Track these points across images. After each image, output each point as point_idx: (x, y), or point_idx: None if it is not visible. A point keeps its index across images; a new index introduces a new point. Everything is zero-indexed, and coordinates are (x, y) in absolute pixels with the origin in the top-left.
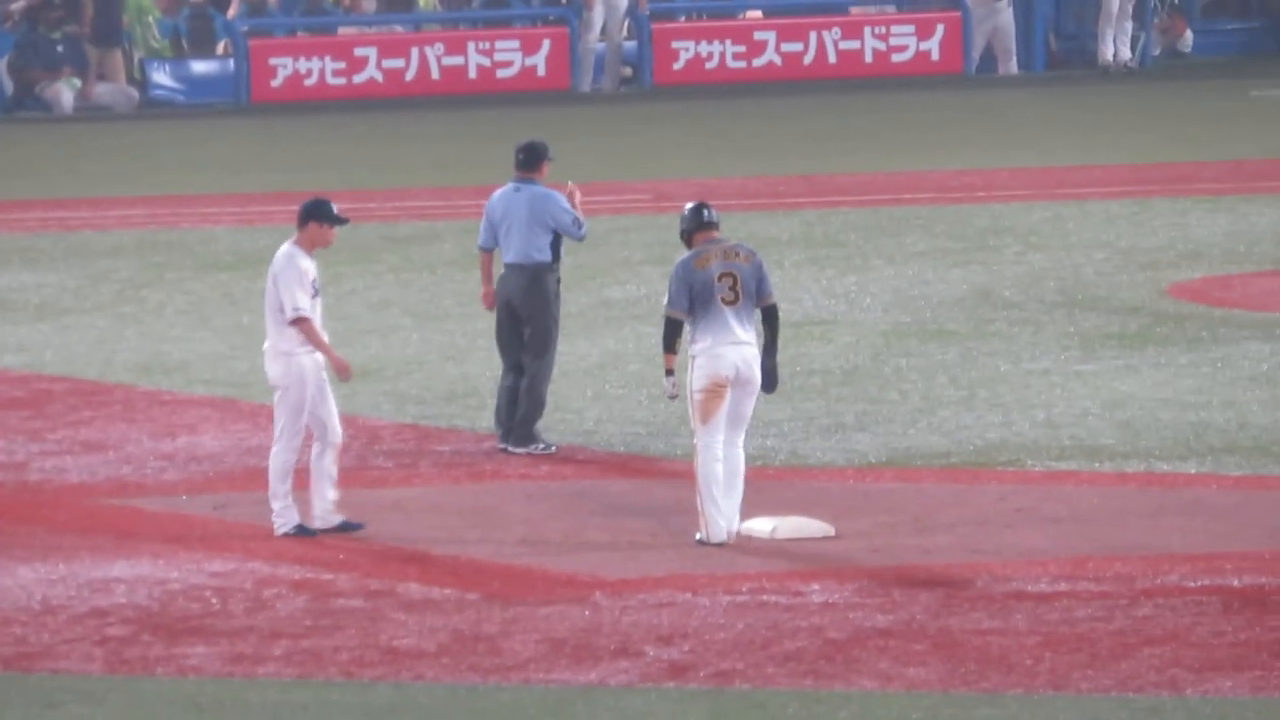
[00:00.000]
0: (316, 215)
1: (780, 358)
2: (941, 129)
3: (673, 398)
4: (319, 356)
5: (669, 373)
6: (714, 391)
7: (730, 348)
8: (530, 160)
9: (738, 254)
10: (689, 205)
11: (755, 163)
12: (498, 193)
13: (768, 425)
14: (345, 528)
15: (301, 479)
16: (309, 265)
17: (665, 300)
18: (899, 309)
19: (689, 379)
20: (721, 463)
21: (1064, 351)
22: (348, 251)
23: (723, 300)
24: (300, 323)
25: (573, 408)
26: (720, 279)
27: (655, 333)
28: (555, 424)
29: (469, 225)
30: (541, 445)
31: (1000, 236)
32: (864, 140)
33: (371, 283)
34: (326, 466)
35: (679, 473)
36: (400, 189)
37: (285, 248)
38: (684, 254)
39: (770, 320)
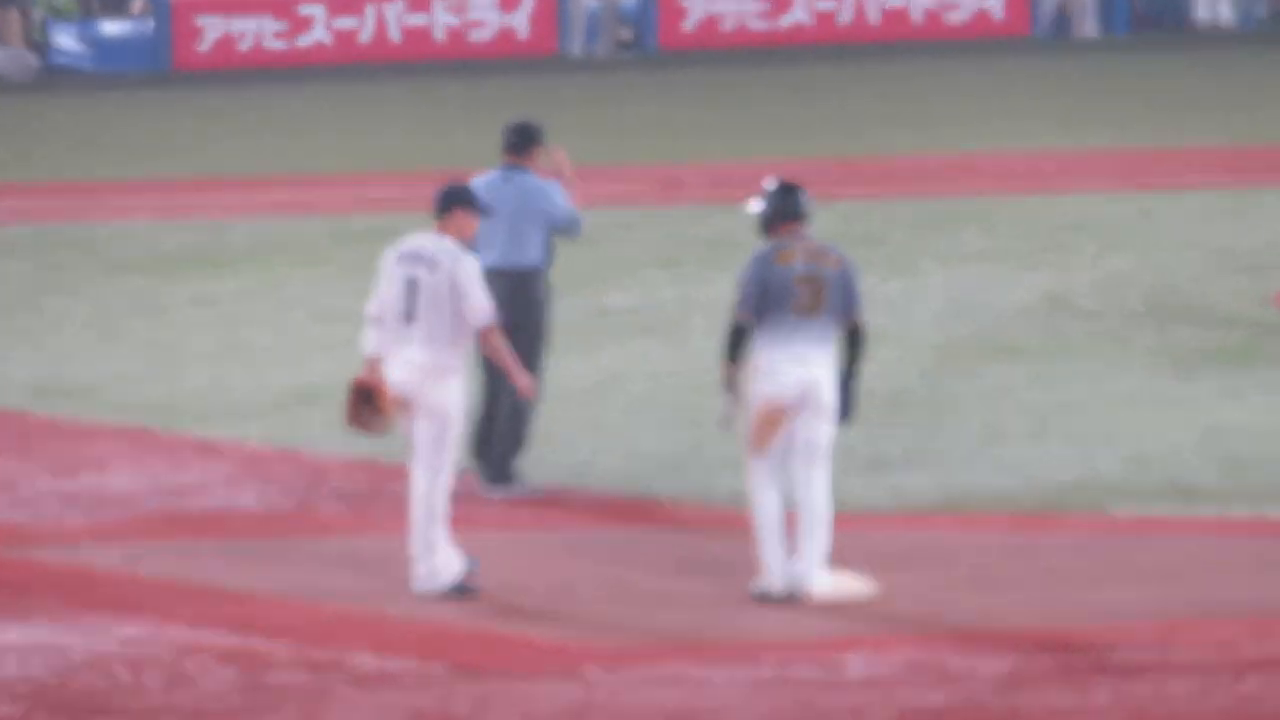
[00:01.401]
0: (464, 201)
1: None
2: (1005, 104)
3: (725, 425)
4: None
5: (728, 386)
6: (770, 417)
7: (795, 366)
8: (522, 143)
9: (826, 256)
10: (773, 184)
11: (781, 143)
12: (480, 181)
13: None
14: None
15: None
16: None
17: (735, 299)
18: (954, 320)
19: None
20: (778, 494)
21: (1154, 373)
22: (290, 251)
23: (796, 308)
24: (495, 332)
25: (562, 439)
26: (800, 283)
27: (661, 348)
28: (541, 460)
29: None
30: (523, 486)
31: (1076, 234)
32: (912, 118)
33: (319, 289)
34: None
35: (693, 519)
36: (353, 174)
37: (444, 242)
38: (761, 245)
39: (856, 343)
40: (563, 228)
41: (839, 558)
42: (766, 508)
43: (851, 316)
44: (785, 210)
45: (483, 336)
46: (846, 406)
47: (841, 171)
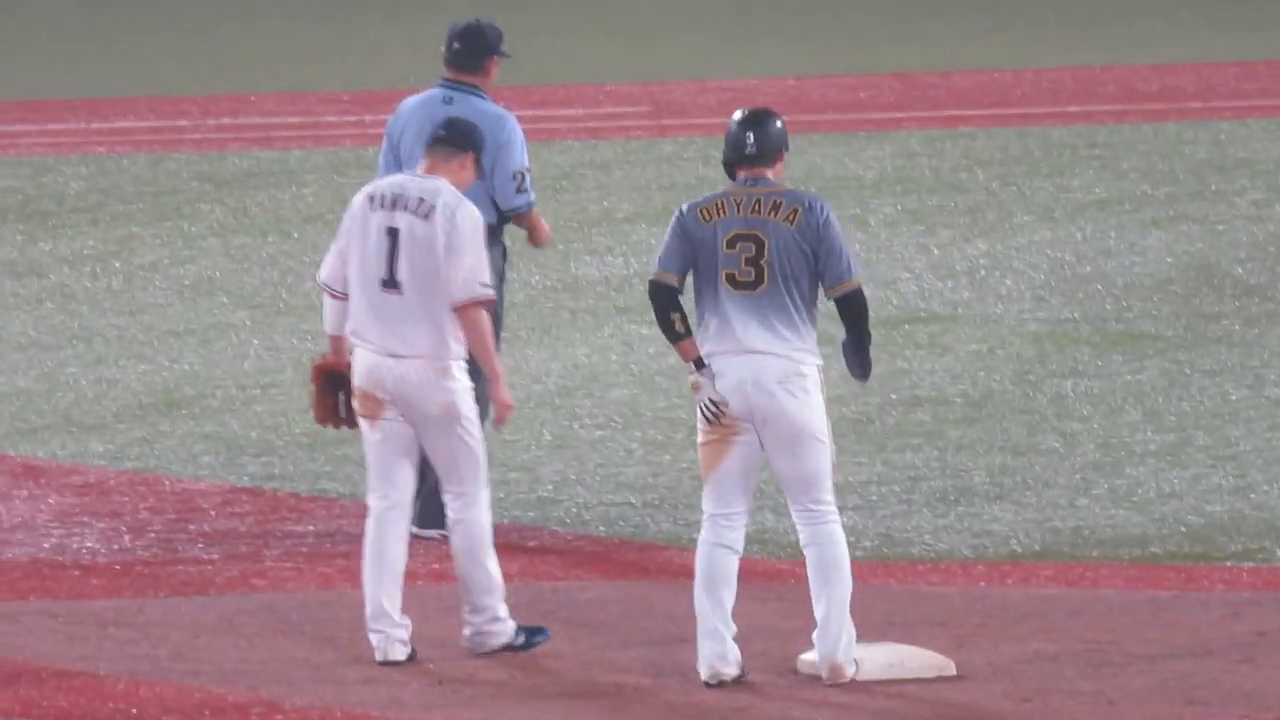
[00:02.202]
0: (481, 146)
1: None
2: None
3: (714, 413)
4: None
5: (697, 365)
6: (714, 430)
7: (736, 360)
8: (472, 54)
9: (775, 209)
10: (736, 117)
11: (817, 52)
12: (413, 101)
13: (840, 488)
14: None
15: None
16: None
17: None
18: (1060, 297)
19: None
20: (729, 549)
21: None
22: (144, 199)
23: (729, 281)
24: (482, 315)
25: (520, 461)
26: (732, 245)
27: (651, 336)
28: (492, 488)
29: (347, 156)
30: None
31: (1229, 175)
32: (999, 15)
33: (184, 252)
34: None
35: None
36: (229, 95)
37: (439, 183)
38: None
39: (852, 316)
40: (500, 189)
41: (900, 624)
42: (705, 562)
43: (835, 284)
44: (735, 150)
45: (463, 315)
46: (863, 360)
47: (901, 90)
